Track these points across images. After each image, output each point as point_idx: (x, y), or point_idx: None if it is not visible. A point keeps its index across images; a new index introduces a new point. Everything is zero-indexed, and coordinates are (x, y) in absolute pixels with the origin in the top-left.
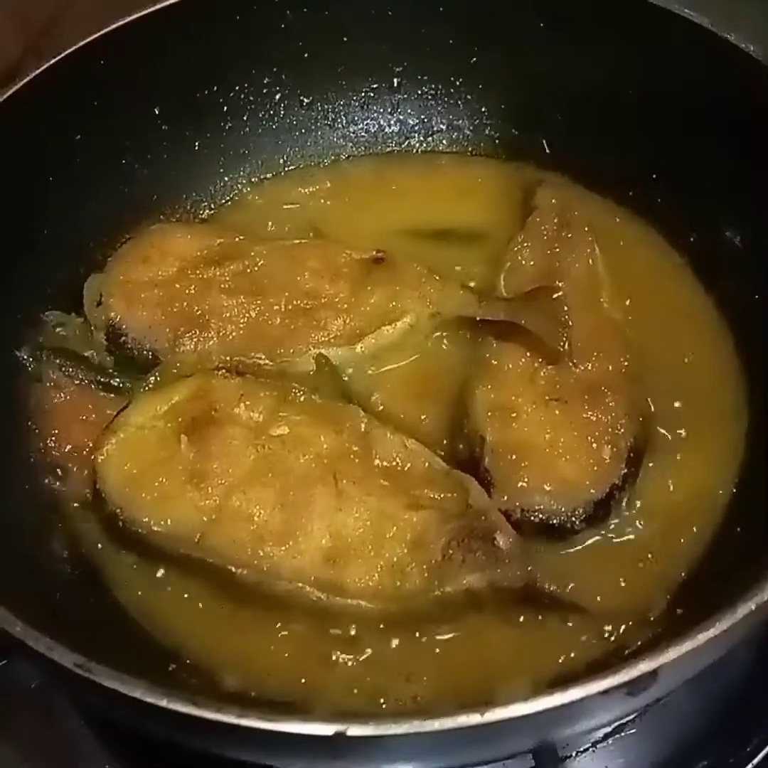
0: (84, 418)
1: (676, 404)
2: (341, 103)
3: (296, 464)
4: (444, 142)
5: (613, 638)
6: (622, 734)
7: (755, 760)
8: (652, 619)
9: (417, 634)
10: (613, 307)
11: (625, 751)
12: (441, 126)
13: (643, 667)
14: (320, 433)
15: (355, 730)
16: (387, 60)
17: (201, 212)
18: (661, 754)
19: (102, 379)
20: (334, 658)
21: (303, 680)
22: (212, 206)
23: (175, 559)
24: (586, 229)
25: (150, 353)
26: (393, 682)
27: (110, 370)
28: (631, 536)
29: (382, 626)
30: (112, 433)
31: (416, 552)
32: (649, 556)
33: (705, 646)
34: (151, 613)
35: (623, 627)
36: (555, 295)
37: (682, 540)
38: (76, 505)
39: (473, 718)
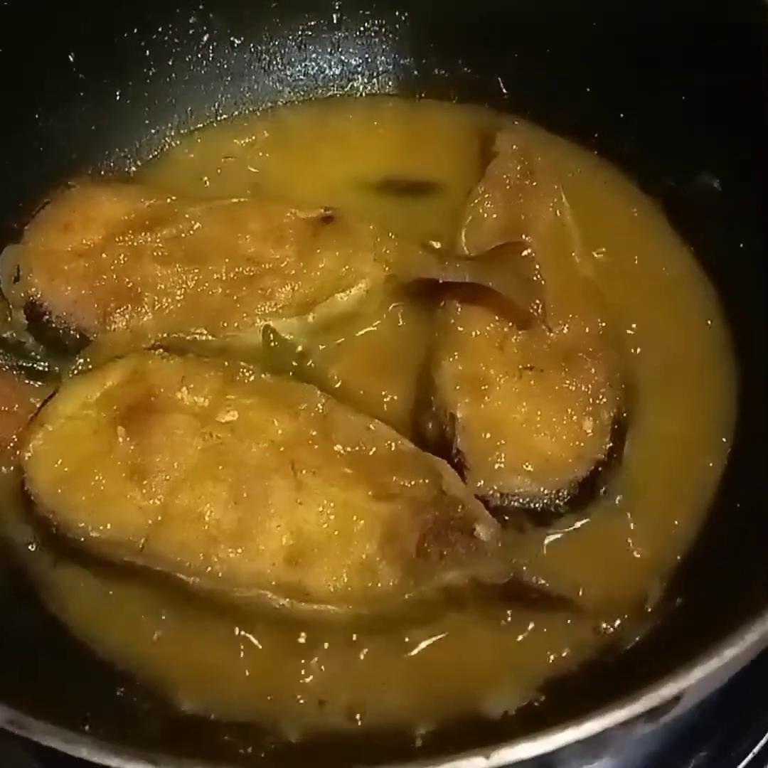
0: (5, 409)
1: (659, 368)
2: (276, 43)
3: (249, 454)
4: (390, 83)
5: (607, 634)
6: None
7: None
8: (649, 610)
9: (392, 639)
10: (585, 263)
11: None
12: (386, 66)
13: (666, 692)
14: (273, 417)
15: None
16: None
17: (126, 169)
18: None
19: (24, 364)
20: (302, 670)
21: (269, 697)
22: (138, 162)
23: (118, 568)
24: (551, 176)
25: (77, 333)
26: (369, 693)
27: (33, 354)
28: (620, 518)
29: (353, 632)
30: (38, 426)
31: (387, 548)
32: (641, 539)
33: (732, 662)
34: (95, 630)
35: (618, 621)
36: (524, 253)
37: (675, 521)
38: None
39: (477, 763)
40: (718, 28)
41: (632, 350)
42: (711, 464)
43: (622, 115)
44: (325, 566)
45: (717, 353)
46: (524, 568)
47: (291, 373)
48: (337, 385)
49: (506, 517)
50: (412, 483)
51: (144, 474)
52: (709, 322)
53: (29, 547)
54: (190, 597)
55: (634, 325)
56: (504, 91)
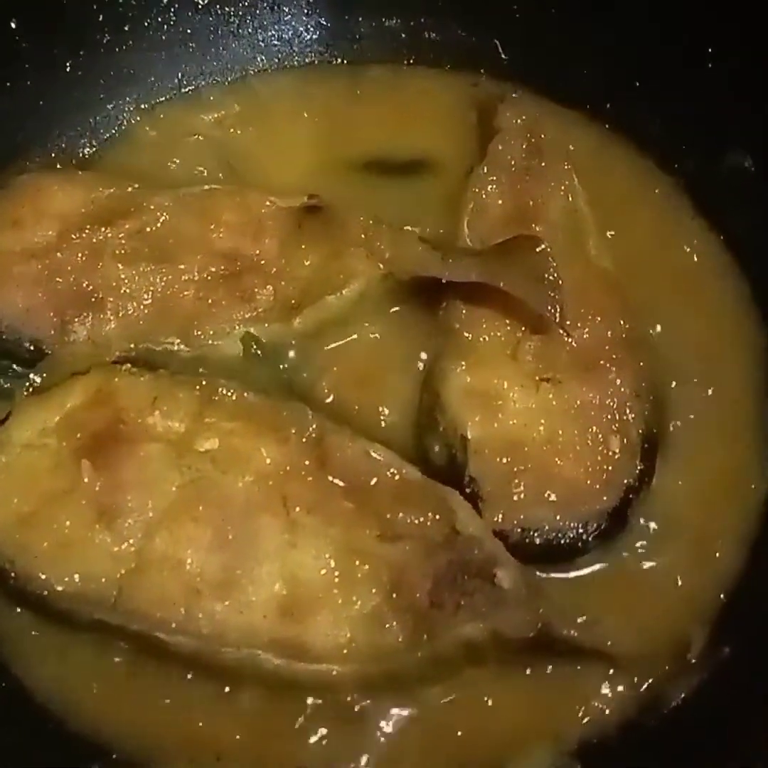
0: None
1: (691, 375)
2: (246, 3)
3: (233, 489)
4: (373, 49)
5: (647, 689)
6: None
7: None
8: (692, 661)
9: (404, 700)
10: (602, 254)
11: None
12: (370, 29)
13: None
14: (260, 444)
15: None
16: None
17: (80, 151)
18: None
19: None
20: (302, 739)
21: None
22: (94, 143)
23: (88, 626)
24: (561, 155)
25: (31, 344)
26: (382, 764)
27: None
28: (654, 552)
29: (358, 693)
30: None
31: (396, 597)
32: (678, 576)
33: None
34: (64, 696)
35: (658, 674)
36: (538, 247)
37: (716, 553)
38: None
39: None
40: None
41: (658, 355)
42: (754, 486)
43: (638, 84)
44: (325, 619)
45: (754, 358)
46: (554, 620)
47: (276, 388)
48: (329, 400)
49: (527, 556)
50: (421, 519)
51: (114, 515)
52: (743, 322)
53: None
54: (172, 657)
55: (658, 326)
56: (503, 55)
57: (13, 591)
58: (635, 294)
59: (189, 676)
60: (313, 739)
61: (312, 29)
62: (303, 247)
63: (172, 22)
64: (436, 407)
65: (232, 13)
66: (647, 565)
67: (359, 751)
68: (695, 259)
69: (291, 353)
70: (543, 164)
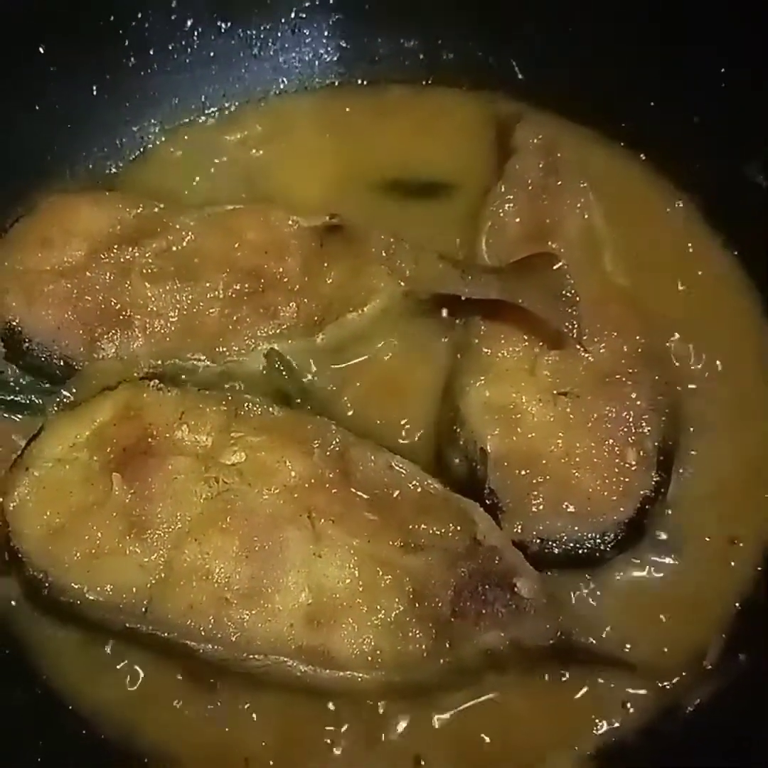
0: None
1: (706, 389)
2: (267, 26)
3: (260, 502)
4: (393, 69)
5: (665, 696)
6: None
7: None
8: (709, 667)
9: (426, 707)
10: (618, 271)
11: None
12: (389, 50)
13: None
14: (285, 457)
15: None
16: None
17: (107, 172)
18: None
19: (3, 396)
20: (327, 742)
21: None
22: (120, 164)
23: (119, 634)
24: (577, 173)
25: (61, 361)
26: None
27: (13, 385)
28: (669, 560)
29: (383, 700)
30: (23, 471)
31: (419, 606)
32: (694, 585)
33: None
34: (96, 703)
35: (675, 680)
36: (556, 265)
37: (731, 562)
38: None
39: None
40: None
41: (674, 369)
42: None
43: (652, 103)
44: (350, 627)
45: None
46: (574, 629)
47: (299, 401)
48: (350, 414)
49: (546, 566)
50: (443, 531)
51: (144, 527)
52: (758, 337)
53: (18, 618)
54: (202, 664)
55: (674, 340)
56: (520, 75)
57: (47, 601)
58: (651, 309)
59: (217, 684)
60: (337, 744)
61: (332, 51)
62: (325, 265)
63: (195, 46)
64: (456, 421)
65: (253, 37)
66: (664, 574)
67: (383, 756)
68: (710, 274)
69: (313, 368)
70: (559, 182)
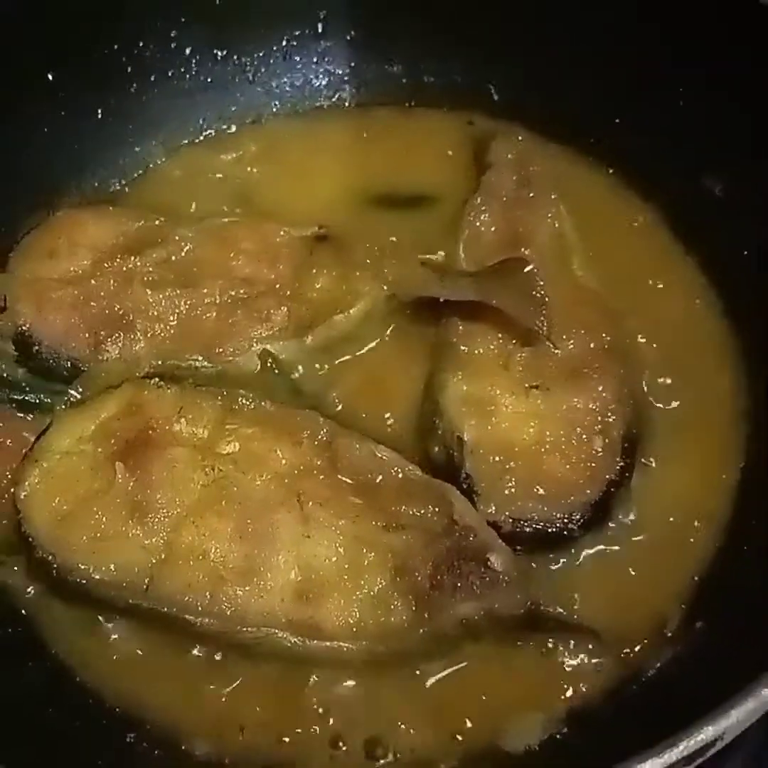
0: None
1: (667, 381)
2: (260, 54)
3: (253, 487)
4: (378, 93)
5: (629, 661)
6: None
7: None
8: (669, 635)
9: (407, 674)
10: (587, 275)
11: None
12: (374, 75)
13: (710, 732)
14: (276, 446)
15: None
16: (309, 1)
17: (111, 189)
18: None
19: (15, 396)
20: (317, 709)
21: (284, 739)
22: (123, 182)
23: (122, 610)
24: (548, 186)
25: (69, 362)
26: (386, 732)
27: (24, 385)
28: (634, 538)
29: (367, 668)
30: (33, 463)
31: (400, 580)
32: (656, 560)
33: None
34: (101, 674)
35: (638, 647)
36: (526, 268)
37: (690, 538)
38: None
39: None
40: (718, 27)
41: (637, 364)
42: (725, 477)
43: (617, 120)
44: (337, 601)
45: (726, 367)
46: (542, 599)
47: (290, 398)
48: (338, 408)
49: (518, 544)
50: (422, 512)
51: (145, 511)
52: (715, 335)
53: (28, 596)
54: (199, 637)
55: (638, 337)
56: (496, 97)
57: (55, 581)
58: (617, 309)
59: (213, 660)
60: (326, 712)
61: (322, 76)
62: (314, 271)
63: (193, 72)
64: (436, 413)
65: (248, 63)
66: (628, 550)
67: (368, 720)
68: (673, 278)
69: (303, 367)
70: (531, 194)
